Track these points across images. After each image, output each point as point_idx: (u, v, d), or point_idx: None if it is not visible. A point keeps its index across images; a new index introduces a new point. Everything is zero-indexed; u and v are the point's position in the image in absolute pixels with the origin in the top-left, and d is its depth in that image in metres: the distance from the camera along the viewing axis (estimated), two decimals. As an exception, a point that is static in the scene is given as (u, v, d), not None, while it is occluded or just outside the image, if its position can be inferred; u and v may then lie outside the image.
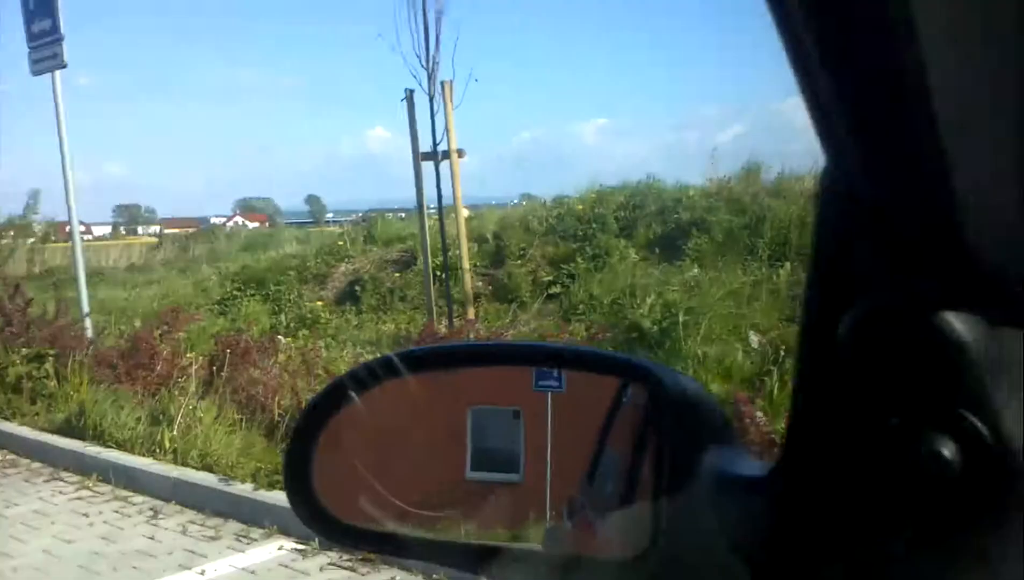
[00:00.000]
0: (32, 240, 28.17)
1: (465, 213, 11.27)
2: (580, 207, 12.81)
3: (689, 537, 0.71)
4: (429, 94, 9.77)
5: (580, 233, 11.93)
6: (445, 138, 9.73)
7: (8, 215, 28.67)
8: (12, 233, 27.11)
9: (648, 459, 0.79)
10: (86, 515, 6.08)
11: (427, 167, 9.85)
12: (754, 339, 7.61)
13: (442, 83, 9.71)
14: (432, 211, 10.09)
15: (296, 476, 0.91)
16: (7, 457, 7.67)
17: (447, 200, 9.94)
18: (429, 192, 9.88)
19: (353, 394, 0.89)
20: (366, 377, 0.91)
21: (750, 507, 0.67)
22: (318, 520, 0.90)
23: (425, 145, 9.83)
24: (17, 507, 6.36)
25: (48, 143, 10.55)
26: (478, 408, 0.89)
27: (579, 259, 11.20)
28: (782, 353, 7.54)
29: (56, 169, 10.17)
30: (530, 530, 0.88)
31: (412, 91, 9.78)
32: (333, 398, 0.92)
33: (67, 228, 12.03)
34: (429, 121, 9.71)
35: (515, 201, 18.32)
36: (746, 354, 7.15)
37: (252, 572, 4.95)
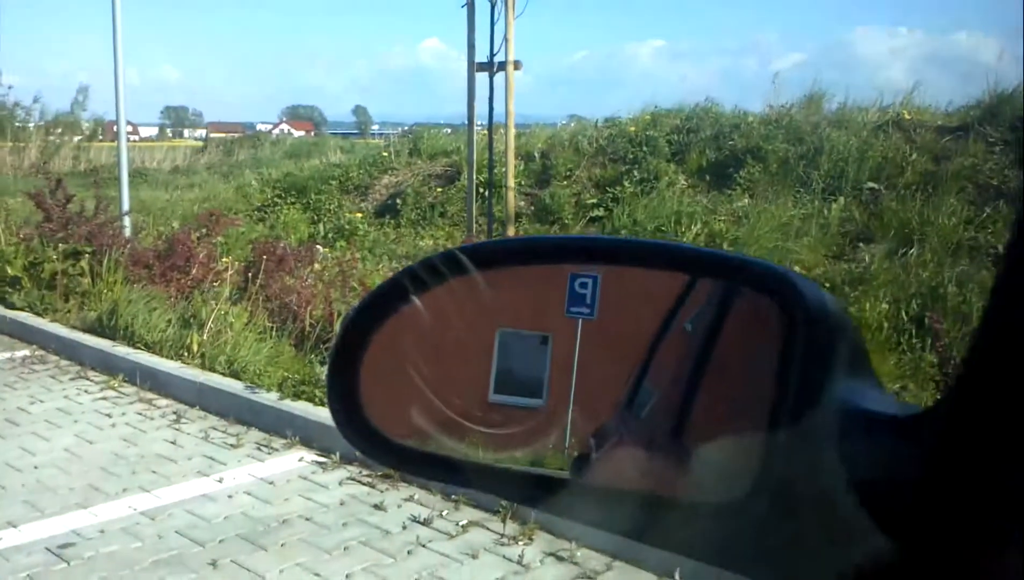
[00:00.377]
0: (79, 138, 28.27)
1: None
2: (632, 128, 12.41)
3: (806, 481, 0.60)
4: (491, 1, 9.43)
5: (630, 156, 11.56)
6: (503, 49, 9.42)
7: (56, 111, 28.68)
8: (59, 130, 27.16)
9: (757, 383, 0.68)
10: (109, 416, 6.01)
11: (480, 82, 9.56)
12: (799, 275, 7.32)
13: (506, -10, 9.36)
14: (481, 126, 9.82)
15: (342, 387, 0.82)
16: (36, 353, 7.63)
17: (498, 116, 9.64)
18: (480, 107, 9.61)
19: (411, 296, 0.81)
20: (426, 276, 0.81)
21: (891, 452, 0.57)
22: (360, 433, 0.81)
23: (482, 56, 9.54)
24: (42, 404, 6.31)
25: (101, 40, 10.42)
26: (506, 331, 0.83)
27: (626, 183, 10.88)
28: (827, 289, 7.28)
29: (105, 67, 10.05)
30: (547, 459, 0.83)
31: (474, -3, 9.45)
32: (388, 298, 0.83)
33: (115, 127, 11.91)
34: (488, 29, 9.41)
35: (564, 121, 17.90)
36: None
37: (270, 482, 4.84)
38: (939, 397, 0.53)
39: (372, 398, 0.81)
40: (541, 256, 0.83)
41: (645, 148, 11.53)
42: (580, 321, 0.79)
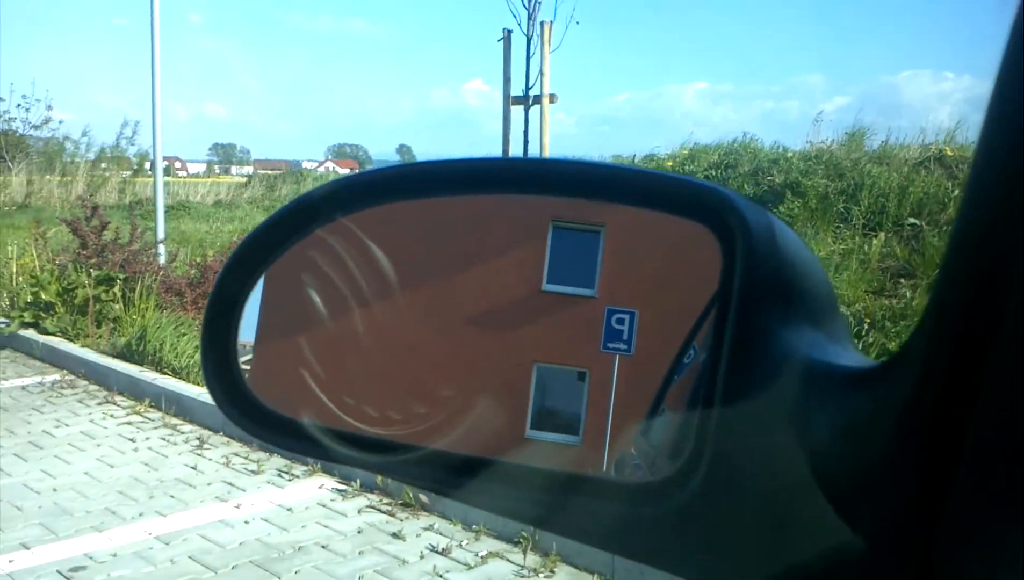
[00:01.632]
0: (128, 173, 28.68)
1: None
2: (670, 164, 12.32)
3: (750, 453, 0.48)
4: (527, 35, 9.45)
5: (667, 191, 11.45)
6: (539, 83, 9.40)
7: (102, 145, 29.14)
8: (103, 165, 27.58)
9: (706, 337, 0.57)
10: (132, 440, 5.95)
11: (518, 117, 9.55)
12: (839, 310, 7.13)
13: (541, 23, 9.37)
14: (515, 159, 9.80)
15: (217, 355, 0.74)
16: (66, 377, 7.62)
17: (535, 151, 9.60)
18: (518, 143, 9.60)
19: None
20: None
21: (849, 413, 0.45)
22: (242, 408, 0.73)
23: (520, 92, 9.54)
24: (67, 427, 6.27)
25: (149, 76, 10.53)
26: (544, 366, 0.76)
27: (664, 217, 10.77)
28: (865, 326, 7.08)
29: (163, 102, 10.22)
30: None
31: (510, 31, 9.48)
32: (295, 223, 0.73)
33: (164, 161, 12.04)
34: (524, 62, 9.42)
35: (608, 160, 17.87)
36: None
37: (288, 509, 4.74)
38: (903, 344, 0.42)
39: (258, 368, 0.74)
40: (431, 183, 0.72)
41: (683, 183, 11.42)
42: (617, 357, 0.73)
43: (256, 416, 0.72)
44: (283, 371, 0.79)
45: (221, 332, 0.73)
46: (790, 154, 11.77)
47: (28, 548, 4.26)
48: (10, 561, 4.12)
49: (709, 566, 0.50)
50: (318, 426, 0.71)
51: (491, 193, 0.71)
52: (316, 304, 0.75)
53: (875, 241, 9.16)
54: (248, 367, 0.75)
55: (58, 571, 4.01)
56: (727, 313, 0.51)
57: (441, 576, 3.95)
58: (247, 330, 0.75)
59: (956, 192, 9.52)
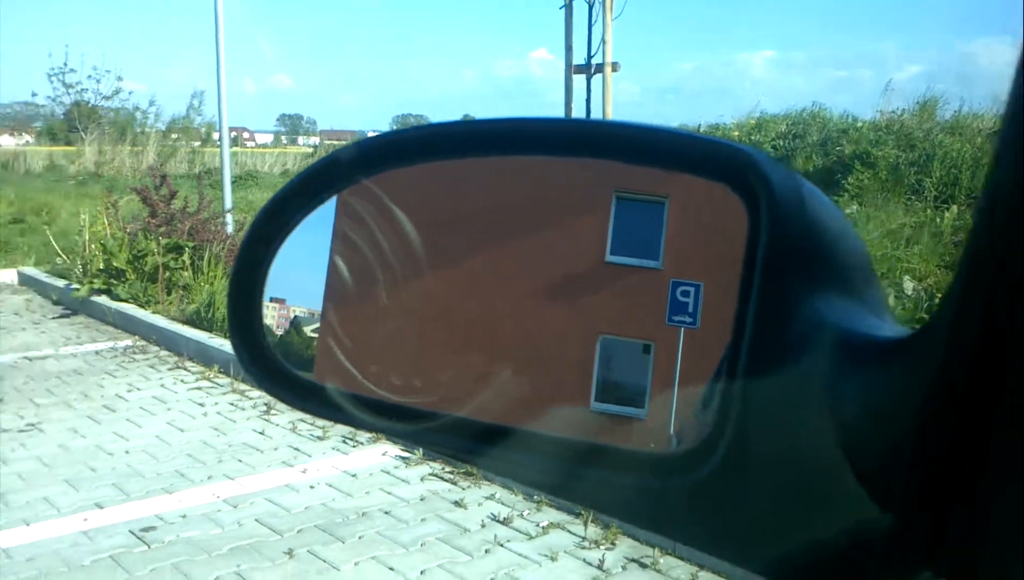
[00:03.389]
0: (197, 143, 29.14)
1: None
2: (736, 133, 12.15)
3: (774, 427, 0.46)
4: (589, 2, 9.35)
5: (732, 161, 11.30)
6: (601, 51, 9.31)
7: (172, 116, 29.62)
8: (174, 135, 28.03)
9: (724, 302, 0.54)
10: (202, 405, 6.08)
11: (581, 87, 9.47)
12: (908, 285, 7.00)
13: (602, -11, 9.26)
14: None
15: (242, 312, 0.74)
16: (138, 343, 7.80)
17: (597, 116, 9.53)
18: (581, 112, 9.51)
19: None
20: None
21: (881, 386, 0.42)
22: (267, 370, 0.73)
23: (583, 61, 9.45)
24: (139, 392, 6.43)
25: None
26: (608, 338, 0.73)
27: (728, 188, 10.64)
28: (937, 301, 6.93)
29: (232, 74, 10.33)
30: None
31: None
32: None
33: (232, 133, 12.21)
34: (586, 31, 9.32)
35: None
36: (898, 299, 6.55)
37: (353, 475, 4.80)
38: (933, 313, 0.40)
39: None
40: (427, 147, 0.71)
41: (749, 153, 11.26)
42: (682, 330, 0.71)
43: (280, 379, 0.72)
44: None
45: (246, 293, 0.73)
46: (860, 124, 11.54)
47: (102, 507, 4.38)
48: (85, 519, 4.24)
49: (727, 541, 0.49)
50: (342, 392, 0.71)
51: (506, 155, 0.69)
52: (345, 271, 0.74)
53: (947, 214, 8.96)
54: (277, 330, 0.76)
55: (130, 531, 4.12)
56: (751, 280, 0.49)
57: (502, 545, 3.97)
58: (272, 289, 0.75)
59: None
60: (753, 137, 11.52)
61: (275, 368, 0.73)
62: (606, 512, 0.57)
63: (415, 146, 0.69)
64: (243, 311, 0.74)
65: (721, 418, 0.49)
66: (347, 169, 0.69)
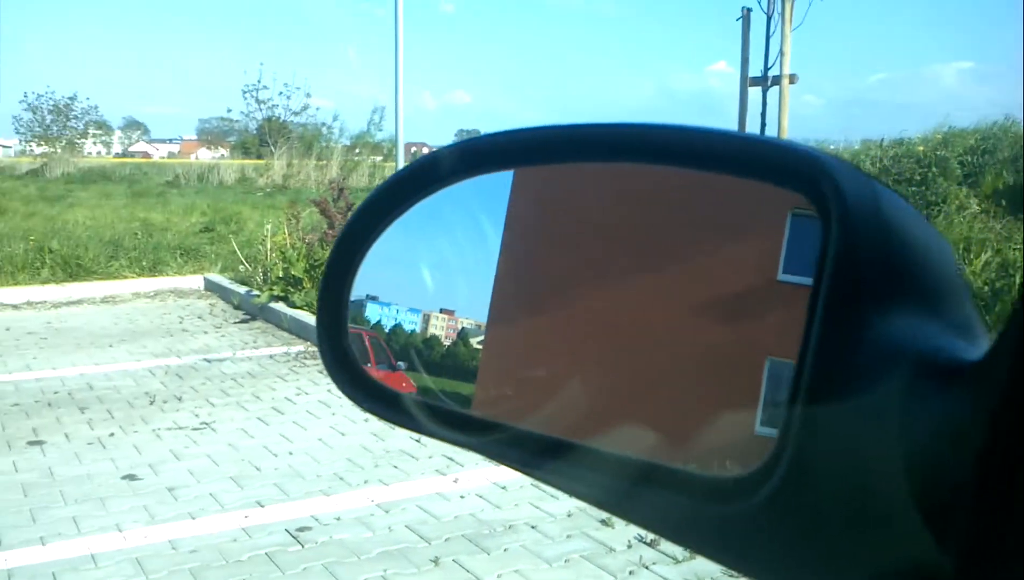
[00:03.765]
0: (379, 158, 30.17)
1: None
2: (921, 148, 11.59)
3: (835, 457, 0.42)
4: (767, 13, 9.15)
5: (917, 177, 10.78)
6: (779, 63, 9.08)
7: (358, 131, 30.74)
8: (357, 150, 29.07)
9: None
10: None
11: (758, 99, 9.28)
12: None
13: (782, 0, 9.04)
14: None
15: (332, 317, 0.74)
16: (309, 349, 8.11)
17: (773, 133, 9.29)
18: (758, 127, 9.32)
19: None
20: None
21: (950, 415, 0.39)
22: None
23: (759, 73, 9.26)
24: (306, 396, 6.68)
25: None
26: (776, 360, 0.64)
27: (910, 206, 10.16)
28: None
29: (405, 90, 10.73)
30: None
31: (749, 10, 9.21)
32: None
33: (412, 148, 12.62)
34: (764, 42, 9.13)
35: (856, 147, 17.04)
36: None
37: (503, 487, 4.82)
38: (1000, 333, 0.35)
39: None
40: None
41: (934, 169, 10.71)
42: None
43: (361, 384, 0.72)
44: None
45: (333, 298, 0.73)
46: (1059, 139, 10.82)
47: (262, 506, 4.56)
48: (246, 516, 4.42)
49: (776, 572, 0.45)
50: (416, 400, 0.70)
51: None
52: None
53: None
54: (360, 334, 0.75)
55: (286, 530, 4.27)
56: (818, 296, 0.45)
57: (647, 567, 3.90)
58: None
59: None
60: (939, 152, 10.95)
61: (357, 375, 0.73)
62: (663, 535, 0.54)
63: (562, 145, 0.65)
64: (330, 317, 0.74)
65: (780, 443, 0.45)
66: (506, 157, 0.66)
